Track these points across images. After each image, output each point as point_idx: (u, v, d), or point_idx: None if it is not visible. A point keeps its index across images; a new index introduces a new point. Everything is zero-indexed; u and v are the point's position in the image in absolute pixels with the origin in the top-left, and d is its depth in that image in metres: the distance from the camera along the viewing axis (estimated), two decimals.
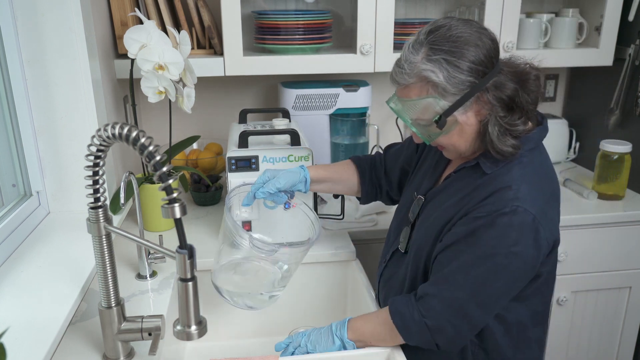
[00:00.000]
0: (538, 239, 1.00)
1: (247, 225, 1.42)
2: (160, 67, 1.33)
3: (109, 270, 0.97)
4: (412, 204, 1.22)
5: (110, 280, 0.97)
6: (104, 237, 0.94)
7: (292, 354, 1.14)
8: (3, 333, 0.53)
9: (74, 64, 1.32)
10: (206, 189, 1.79)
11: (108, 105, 1.52)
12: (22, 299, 1.05)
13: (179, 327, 0.88)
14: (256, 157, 1.42)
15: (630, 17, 1.85)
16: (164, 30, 1.54)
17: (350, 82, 1.87)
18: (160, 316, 1.00)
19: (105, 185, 0.93)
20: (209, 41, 1.75)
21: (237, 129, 1.54)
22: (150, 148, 0.80)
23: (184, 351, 1.42)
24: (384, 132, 2.09)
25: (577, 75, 2.18)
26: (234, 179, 1.41)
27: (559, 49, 1.93)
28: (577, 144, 2.16)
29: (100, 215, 0.93)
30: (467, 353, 1.12)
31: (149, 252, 1.31)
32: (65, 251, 1.23)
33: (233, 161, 1.41)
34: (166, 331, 1.07)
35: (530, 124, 1.07)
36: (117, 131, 0.82)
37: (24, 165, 1.35)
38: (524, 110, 1.03)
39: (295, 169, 1.31)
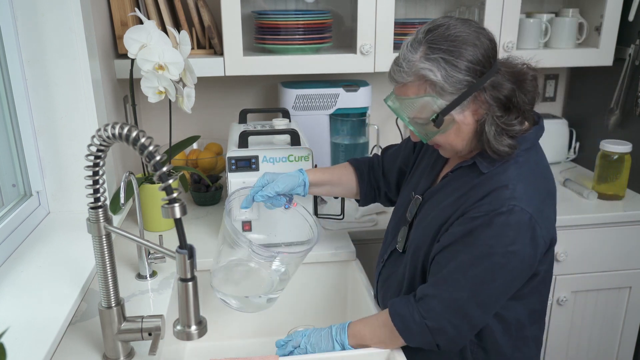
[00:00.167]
0: (535, 237, 1.01)
1: (247, 225, 1.43)
2: (160, 67, 1.33)
3: (109, 270, 0.97)
4: (409, 203, 1.22)
5: (110, 280, 0.97)
6: (104, 237, 0.94)
7: (291, 352, 1.14)
8: (3, 333, 0.53)
9: (74, 64, 1.32)
10: (206, 189, 1.79)
11: (108, 105, 1.52)
12: (22, 299, 1.05)
13: (179, 327, 0.88)
14: (256, 157, 1.42)
15: (630, 17, 1.85)
16: (164, 30, 1.54)
17: (350, 82, 1.87)
18: (160, 316, 1.00)
19: (105, 185, 0.93)
20: (209, 41, 1.75)
21: (237, 129, 1.54)
22: (150, 148, 0.80)
23: (184, 351, 1.42)
24: (384, 132, 2.09)
25: (577, 75, 2.18)
26: (234, 179, 1.41)
27: (559, 49, 1.93)
28: (577, 144, 2.16)
29: (100, 215, 0.93)
30: (467, 352, 1.12)
31: (149, 252, 1.31)
32: (65, 251, 1.23)
33: (233, 161, 1.41)
34: (166, 331, 1.07)
35: (526, 123, 1.07)
36: (117, 131, 0.82)
37: (24, 165, 1.35)
38: (521, 110, 1.03)
39: (294, 173, 1.31)
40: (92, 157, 0.88)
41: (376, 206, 1.70)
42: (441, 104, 1.02)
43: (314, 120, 1.83)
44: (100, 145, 0.86)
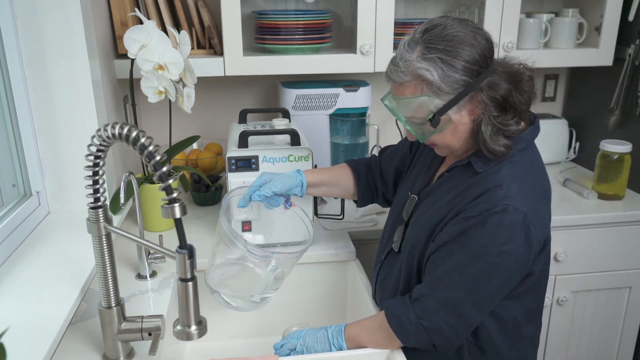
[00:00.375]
0: (529, 237, 1.01)
1: (247, 225, 1.43)
2: (160, 67, 1.33)
3: (109, 270, 0.97)
4: (406, 203, 1.22)
5: (110, 280, 0.97)
6: (104, 237, 0.94)
7: (288, 354, 1.15)
8: (3, 333, 0.53)
9: (74, 64, 1.32)
10: (206, 189, 1.79)
11: (108, 105, 1.52)
12: (22, 299, 1.05)
13: (179, 327, 0.88)
14: (256, 157, 1.42)
15: (630, 17, 1.85)
16: (164, 30, 1.54)
17: (350, 82, 1.87)
18: (160, 316, 1.00)
19: (105, 185, 0.93)
20: (209, 41, 1.75)
21: (237, 129, 1.54)
22: (150, 148, 0.80)
23: (184, 351, 1.42)
24: (384, 132, 2.09)
25: (577, 75, 2.18)
26: (234, 179, 1.41)
27: (559, 49, 1.93)
28: (577, 144, 2.16)
29: (100, 215, 0.93)
30: (464, 351, 1.12)
31: (149, 252, 1.31)
32: (65, 251, 1.23)
33: (233, 161, 1.41)
34: (166, 331, 1.07)
35: (523, 124, 1.08)
36: (117, 131, 0.82)
37: (24, 165, 1.35)
38: (517, 110, 1.04)
39: (291, 173, 1.31)
40: (92, 157, 0.88)
41: (375, 206, 1.70)
42: (438, 104, 1.02)
43: (314, 120, 1.83)
44: (100, 145, 0.86)
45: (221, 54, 1.72)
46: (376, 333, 1.11)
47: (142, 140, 0.80)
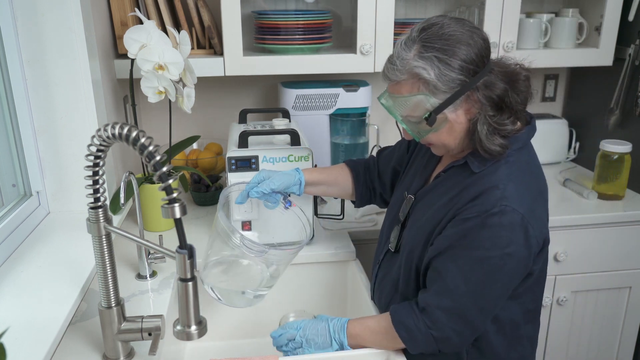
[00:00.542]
0: (528, 237, 1.01)
1: (247, 225, 1.43)
2: (160, 67, 1.33)
3: (109, 270, 0.97)
4: (402, 203, 1.22)
5: (110, 280, 0.97)
6: (104, 237, 0.94)
7: (287, 345, 1.14)
8: (3, 333, 0.53)
9: (74, 64, 1.32)
10: (206, 189, 1.79)
11: (108, 105, 1.52)
12: (22, 299, 1.05)
13: (179, 327, 0.88)
14: (256, 157, 1.42)
15: (630, 17, 1.85)
16: (164, 30, 1.54)
17: (350, 82, 1.87)
18: (160, 316, 1.00)
19: (105, 185, 0.93)
20: (209, 41, 1.75)
21: (237, 129, 1.54)
22: (150, 148, 0.80)
23: (184, 351, 1.42)
24: (384, 132, 2.09)
25: (577, 75, 2.18)
26: (234, 179, 1.40)
27: (559, 49, 1.93)
28: (577, 144, 2.16)
29: (100, 215, 0.93)
30: (462, 353, 1.12)
31: (149, 252, 1.31)
32: (65, 251, 1.23)
33: (233, 161, 1.41)
34: (166, 331, 1.07)
35: (519, 123, 1.08)
36: (117, 131, 0.82)
37: (24, 165, 1.35)
38: (513, 110, 1.04)
39: (290, 172, 1.31)
40: (92, 157, 0.88)
41: (375, 206, 1.70)
42: (434, 103, 1.02)
43: (314, 120, 1.83)
44: (100, 145, 0.86)
45: (221, 54, 1.72)
46: (380, 336, 1.11)
47: (142, 140, 0.80)
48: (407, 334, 1.07)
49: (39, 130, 1.35)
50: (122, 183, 1.20)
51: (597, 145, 1.82)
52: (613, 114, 1.94)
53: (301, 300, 1.52)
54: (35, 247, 1.25)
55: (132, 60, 1.42)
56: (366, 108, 1.86)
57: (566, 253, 1.75)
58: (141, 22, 1.35)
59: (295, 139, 1.44)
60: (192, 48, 1.66)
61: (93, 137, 0.86)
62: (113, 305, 0.98)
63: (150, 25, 1.34)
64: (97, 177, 0.90)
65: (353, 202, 1.44)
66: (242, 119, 1.65)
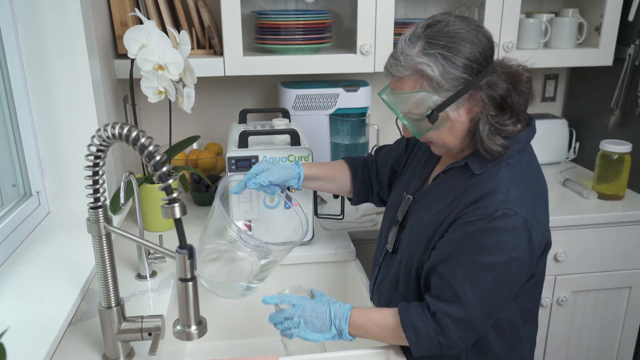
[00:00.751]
0: (531, 241, 1.00)
1: (247, 224, 1.43)
2: (160, 67, 1.33)
3: (109, 270, 0.97)
4: (401, 203, 1.22)
5: (110, 280, 0.97)
6: (104, 237, 0.94)
7: (282, 323, 1.12)
8: (3, 333, 0.53)
9: (74, 64, 1.32)
10: (206, 189, 1.79)
11: (108, 105, 1.52)
12: (22, 299, 1.05)
13: (179, 327, 0.88)
14: (256, 157, 1.42)
15: (630, 17, 1.85)
16: (164, 30, 1.54)
17: (350, 82, 1.87)
18: (160, 316, 1.00)
19: (105, 185, 0.93)
20: (209, 41, 1.75)
21: (237, 129, 1.54)
22: (150, 148, 0.80)
23: (184, 351, 1.42)
24: (384, 132, 2.09)
25: (577, 75, 2.18)
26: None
27: (559, 49, 1.93)
28: (577, 144, 2.16)
29: (100, 215, 0.93)
30: (461, 355, 1.12)
31: (149, 252, 1.31)
32: (65, 251, 1.23)
33: (233, 161, 1.41)
34: (166, 331, 1.07)
35: (519, 125, 1.07)
36: (117, 131, 0.82)
37: (24, 165, 1.35)
38: (515, 111, 1.03)
39: (289, 165, 1.31)
40: (92, 157, 0.88)
41: (375, 207, 1.70)
42: (436, 100, 1.01)
43: (314, 120, 1.83)
44: (100, 145, 0.86)
45: (221, 54, 1.72)
46: (385, 332, 1.10)
47: (142, 140, 0.80)
48: (415, 337, 1.06)
49: (39, 130, 1.35)
50: (122, 183, 1.20)
51: (597, 145, 1.82)
52: (613, 114, 1.94)
53: None
54: (35, 247, 1.25)
55: (132, 60, 1.42)
56: (366, 108, 1.86)
57: (566, 253, 1.75)
58: (141, 22, 1.35)
59: (295, 139, 1.44)
60: (192, 48, 1.66)
61: (93, 137, 0.86)
62: (113, 305, 0.98)
63: (150, 25, 1.34)
64: (97, 177, 0.90)
65: (350, 199, 1.44)
66: (242, 119, 1.65)
